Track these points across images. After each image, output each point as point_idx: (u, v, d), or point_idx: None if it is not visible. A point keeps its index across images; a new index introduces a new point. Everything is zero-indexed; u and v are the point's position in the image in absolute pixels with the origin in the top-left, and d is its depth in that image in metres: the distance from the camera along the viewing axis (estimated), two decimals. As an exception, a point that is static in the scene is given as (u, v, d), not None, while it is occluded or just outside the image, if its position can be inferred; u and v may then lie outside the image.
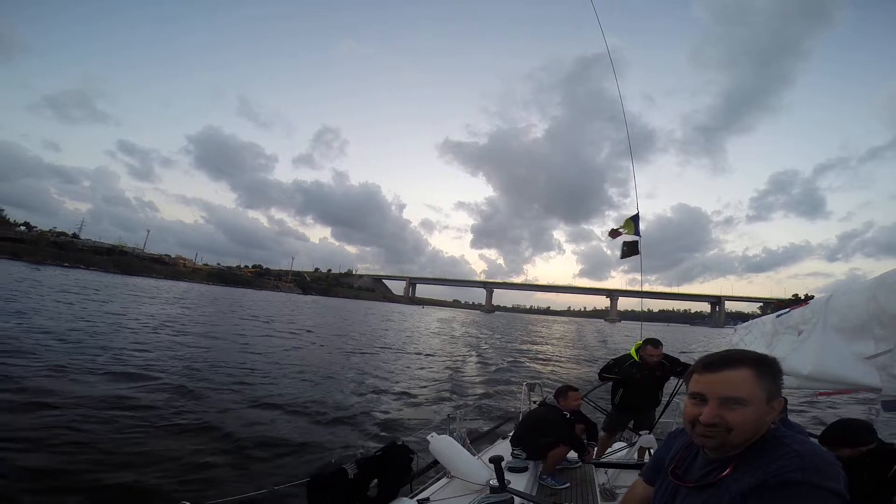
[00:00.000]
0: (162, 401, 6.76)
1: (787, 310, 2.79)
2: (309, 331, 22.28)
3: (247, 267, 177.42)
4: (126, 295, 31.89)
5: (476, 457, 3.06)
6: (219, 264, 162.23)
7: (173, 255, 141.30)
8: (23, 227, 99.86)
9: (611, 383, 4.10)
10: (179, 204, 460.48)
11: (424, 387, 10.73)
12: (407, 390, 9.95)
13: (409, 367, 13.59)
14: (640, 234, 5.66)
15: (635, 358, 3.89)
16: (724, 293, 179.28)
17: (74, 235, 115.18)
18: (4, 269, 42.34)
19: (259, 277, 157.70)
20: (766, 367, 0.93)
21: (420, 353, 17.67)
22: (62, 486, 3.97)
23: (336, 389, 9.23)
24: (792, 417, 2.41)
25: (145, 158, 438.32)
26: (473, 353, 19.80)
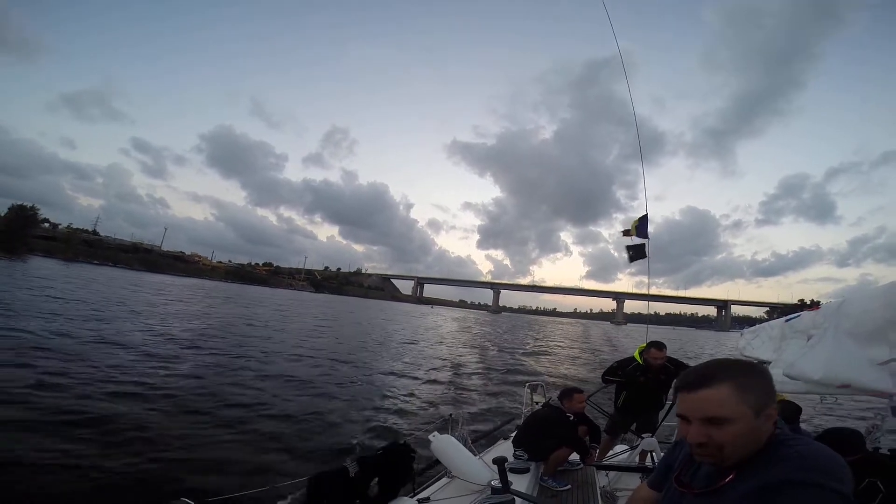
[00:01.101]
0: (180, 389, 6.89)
1: (798, 314, 2.73)
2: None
3: (258, 264, 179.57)
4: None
5: (477, 457, 3.05)
6: (230, 261, 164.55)
7: (188, 253, 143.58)
8: (46, 225, 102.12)
9: (614, 385, 4.06)
10: (190, 201, 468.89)
11: (428, 385, 10.76)
12: (411, 389, 9.98)
13: (416, 365, 13.64)
14: (649, 236, 5.55)
15: (639, 361, 3.85)
16: (731, 297, 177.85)
17: (94, 232, 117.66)
18: (48, 267, 43.66)
19: (274, 276, 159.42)
20: (748, 380, 0.88)
21: (427, 351, 17.71)
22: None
23: (343, 387, 9.31)
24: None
25: (158, 156, 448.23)
26: (479, 352, 19.80)
